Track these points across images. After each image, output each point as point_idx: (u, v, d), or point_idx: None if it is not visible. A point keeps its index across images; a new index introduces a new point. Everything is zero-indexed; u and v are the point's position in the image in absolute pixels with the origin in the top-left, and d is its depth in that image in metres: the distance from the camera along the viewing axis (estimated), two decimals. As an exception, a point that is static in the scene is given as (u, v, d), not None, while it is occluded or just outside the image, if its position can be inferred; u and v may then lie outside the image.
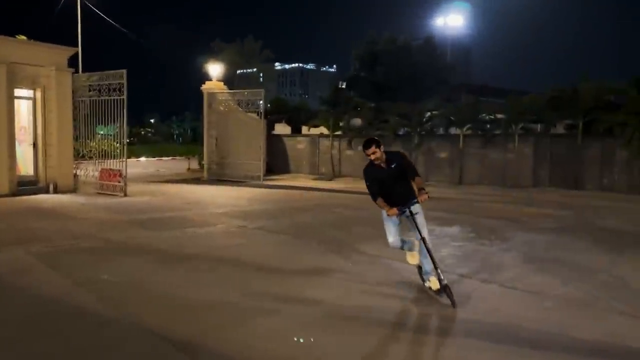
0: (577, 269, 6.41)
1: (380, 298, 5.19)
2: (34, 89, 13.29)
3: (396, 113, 19.16)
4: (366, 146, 5.07)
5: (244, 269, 6.24)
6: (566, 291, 5.48)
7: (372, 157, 5.03)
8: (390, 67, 25.11)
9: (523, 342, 4.11)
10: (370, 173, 5.21)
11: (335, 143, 20.97)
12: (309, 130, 22.15)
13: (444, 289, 4.82)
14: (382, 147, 5.07)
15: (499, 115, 17.84)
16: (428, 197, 4.95)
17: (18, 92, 12.97)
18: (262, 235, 8.60)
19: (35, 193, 12.85)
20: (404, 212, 5.10)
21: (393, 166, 5.13)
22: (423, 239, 5.00)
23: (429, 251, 4.94)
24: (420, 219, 5.09)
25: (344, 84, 27.95)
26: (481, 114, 18.22)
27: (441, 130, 19.02)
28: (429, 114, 18.99)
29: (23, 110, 13.42)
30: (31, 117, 13.45)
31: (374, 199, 5.18)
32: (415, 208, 5.10)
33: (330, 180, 19.64)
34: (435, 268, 4.89)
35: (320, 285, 5.62)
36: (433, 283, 5.02)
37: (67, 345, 3.89)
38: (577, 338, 4.19)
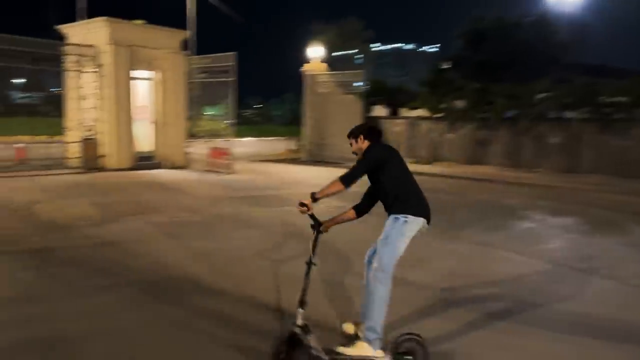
0: None
1: (479, 288, 5.01)
2: (152, 71, 14.31)
3: (503, 95, 18.12)
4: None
5: (342, 250, 6.31)
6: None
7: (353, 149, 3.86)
8: (497, 45, 23.68)
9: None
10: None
11: (436, 126, 20.36)
12: (408, 112, 21.72)
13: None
14: (362, 138, 3.74)
15: (620, 98, 16.21)
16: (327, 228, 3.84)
17: (137, 73, 14.03)
18: (360, 216, 8.62)
19: (151, 168, 13.93)
20: None
21: None
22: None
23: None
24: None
25: (447, 64, 26.92)
26: (599, 96, 16.66)
27: (553, 114, 17.71)
28: (539, 95, 17.74)
29: (142, 90, 14.52)
30: (148, 97, 14.53)
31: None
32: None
33: (429, 164, 19.18)
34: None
35: (420, 269, 5.53)
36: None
37: (187, 311, 4.19)
38: None
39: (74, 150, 13.27)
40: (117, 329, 3.75)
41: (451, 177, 14.84)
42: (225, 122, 14.96)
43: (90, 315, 3.98)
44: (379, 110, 23.30)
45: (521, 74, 20.48)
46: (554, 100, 17.44)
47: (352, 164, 3.73)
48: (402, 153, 3.72)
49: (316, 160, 19.00)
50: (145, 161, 14.11)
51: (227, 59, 13.78)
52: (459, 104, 19.53)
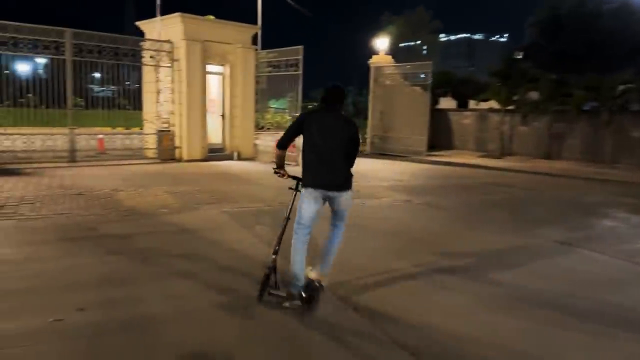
0: None
1: (553, 284, 4.79)
2: (223, 65, 14.74)
3: (582, 86, 17.17)
4: None
5: (413, 242, 6.24)
6: None
7: None
8: (575, 34, 22.44)
9: None
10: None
11: (507, 118, 19.62)
12: (477, 104, 21.04)
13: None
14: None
15: None
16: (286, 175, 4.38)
17: (209, 68, 14.50)
18: (428, 210, 8.50)
19: (221, 159, 14.39)
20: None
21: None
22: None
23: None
24: None
25: (520, 54, 25.83)
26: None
27: (636, 106, 16.58)
28: (622, 87, 16.65)
29: (213, 84, 14.99)
30: (220, 91, 14.99)
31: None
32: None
33: (499, 158, 18.53)
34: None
35: (498, 266, 5.38)
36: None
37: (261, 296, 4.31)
38: None
39: (150, 142, 13.95)
40: (198, 312, 3.92)
41: (524, 172, 14.27)
42: (290, 114, 15.17)
43: (173, 299, 4.18)
44: (447, 102, 22.77)
45: (601, 64, 19.30)
46: (638, 92, 16.33)
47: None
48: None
49: (380, 152, 18.87)
50: (216, 153, 14.60)
51: (295, 53, 13.93)
52: (533, 95, 18.70)
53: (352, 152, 4.14)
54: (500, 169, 15.08)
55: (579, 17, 23.14)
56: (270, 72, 14.93)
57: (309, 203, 4.06)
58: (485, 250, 6.02)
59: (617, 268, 5.56)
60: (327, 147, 4.03)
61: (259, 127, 15.65)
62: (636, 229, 7.62)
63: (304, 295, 3.96)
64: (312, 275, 4.21)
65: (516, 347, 3.57)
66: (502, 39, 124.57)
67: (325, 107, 4.16)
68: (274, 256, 4.13)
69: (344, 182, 4.11)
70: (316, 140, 4.05)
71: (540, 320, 4.02)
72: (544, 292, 4.68)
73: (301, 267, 4.08)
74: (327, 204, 4.19)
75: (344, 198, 4.14)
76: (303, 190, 4.13)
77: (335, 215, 4.26)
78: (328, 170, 4.06)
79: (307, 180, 4.11)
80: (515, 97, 19.06)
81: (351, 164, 4.18)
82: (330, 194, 4.09)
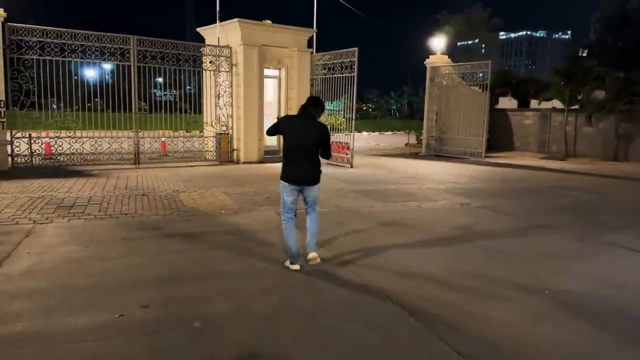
0: None
1: (633, 298, 4.51)
2: (279, 69, 14.95)
3: (653, 84, 16.15)
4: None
5: (471, 248, 6.08)
6: None
7: None
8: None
9: None
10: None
11: (571, 119, 18.77)
12: (538, 104, 20.25)
13: None
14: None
15: None
16: None
17: (266, 71, 14.75)
18: (488, 214, 8.25)
19: (277, 162, 14.56)
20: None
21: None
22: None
23: None
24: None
25: (584, 51, 24.61)
26: None
27: None
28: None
29: (269, 87, 15.23)
30: (276, 94, 15.21)
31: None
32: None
33: (563, 160, 17.75)
34: None
35: (561, 273, 5.14)
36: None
37: (315, 297, 4.33)
38: None
39: (210, 144, 14.35)
40: (257, 311, 3.98)
41: (590, 174, 13.60)
42: (344, 116, 15.16)
43: (234, 297, 4.27)
44: (506, 102, 22.07)
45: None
46: None
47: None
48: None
49: (437, 154, 18.53)
50: (271, 155, 14.83)
51: (349, 55, 13.92)
52: (599, 94, 17.80)
53: (324, 150, 4.98)
54: (564, 171, 14.43)
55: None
56: (325, 74, 14.99)
57: (287, 194, 4.97)
58: (548, 258, 5.77)
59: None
60: (298, 146, 4.82)
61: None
62: None
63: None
64: (310, 256, 5.02)
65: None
66: (564, 36, 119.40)
67: (302, 111, 4.97)
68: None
69: (313, 178, 4.96)
70: (289, 140, 4.89)
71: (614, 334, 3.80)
72: (613, 299, 4.43)
73: (293, 242, 4.98)
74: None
75: (313, 190, 4.99)
76: (281, 186, 4.99)
77: (307, 203, 5.07)
78: (299, 170, 4.90)
79: (284, 175, 4.97)
80: (579, 96, 18.21)
81: (327, 156, 5.11)
82: (300, 187, 4.95)
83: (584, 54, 24.04)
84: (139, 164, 13.02)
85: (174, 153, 13.91)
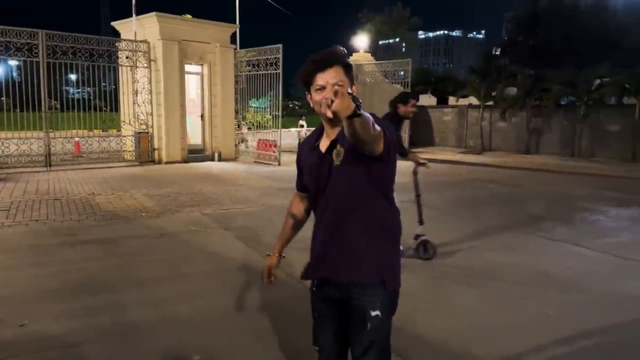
0: None
1: (552, 283, 4.79)
2: (201, 65, 14.53)
3: (559, 81, 17.40)
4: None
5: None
6: None
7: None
8: (553, 29, 22.70)
9: None
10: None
11: (486, 114, 19.81)
12: (456, 101, 21.21)
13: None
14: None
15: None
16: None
17: (187, 67, 14.27)
18: (411, 209, 8.45)
19: (202, 160, 14.20)
20: None
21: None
22: None
23: None
24: None
25: (497, 50, 26.06)
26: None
27: (612, 100, 16.89)
28: (598, 81, 16.95)
29: (191, 84, 14.76)
30: (198, 91, 14.77)
31: None
32: None
33: (479, 154, 18.69)
34: None
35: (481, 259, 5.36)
36: None
37: (251, 301, 4.21)
38: None
39: (128, 144, 13.68)
40: (182, 318, 3.80)
41: (504, 167, 14.40)
42: (270, 114, 15.05)
43: (156, 304, 4.05)
44: (426, 99, 22.90)
45: (578, 59, 19.59)
46: (614, 86, 16.63)
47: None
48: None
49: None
50: (196, 154, 14.39)
51: (273, 52, 13.78)
52: (511, 91, 18.94)
53: None
54: (480, 165, 15.18)
55: (555, 12, 23.44)
56: (249, 71, 14.75)
57: None
58: (470, 250, 6.01)
59: (603, 262, 5.59)
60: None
61: (239, 127, 15.50)
62: (620, 221, 7.68)
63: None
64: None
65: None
66: (479, 36, 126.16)
67: None
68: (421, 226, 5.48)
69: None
70: None
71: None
72: (534, 288, 4.68)
73: None
74: None
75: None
76: None
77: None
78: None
79: None
80: (493, 93, 19.26)
81: None
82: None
83: (497, 53, 25.46)
84: (50, 166, 12.16)
85: (89, 154, 13.13)
